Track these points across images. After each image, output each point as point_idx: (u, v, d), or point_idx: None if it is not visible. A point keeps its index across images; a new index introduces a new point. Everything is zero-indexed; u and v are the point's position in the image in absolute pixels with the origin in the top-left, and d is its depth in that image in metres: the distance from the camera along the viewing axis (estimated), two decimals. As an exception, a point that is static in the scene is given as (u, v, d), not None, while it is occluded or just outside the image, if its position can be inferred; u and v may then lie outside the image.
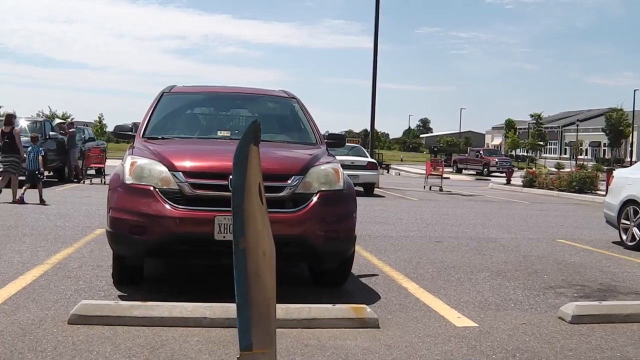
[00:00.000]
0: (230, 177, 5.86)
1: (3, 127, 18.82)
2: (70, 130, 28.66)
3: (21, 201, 17.29)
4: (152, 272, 8.75)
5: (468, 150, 76.21)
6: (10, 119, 19.39)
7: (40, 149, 19.36)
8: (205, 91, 10.41)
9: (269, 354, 3.33)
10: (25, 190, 17.94)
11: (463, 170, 65.08)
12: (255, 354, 3.28)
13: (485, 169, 60.93)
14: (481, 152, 67.79)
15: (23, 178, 18.67)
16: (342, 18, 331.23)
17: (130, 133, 9.04)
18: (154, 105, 9.30)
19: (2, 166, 18.34)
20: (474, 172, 61.75)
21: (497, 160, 62.45)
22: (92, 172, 30.31)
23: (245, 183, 3.23)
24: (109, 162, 30.30)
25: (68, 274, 8.55)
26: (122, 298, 7.42)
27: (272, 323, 3.38)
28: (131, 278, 8.01)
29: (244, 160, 3.24)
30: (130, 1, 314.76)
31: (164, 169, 7.30)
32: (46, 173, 21.92)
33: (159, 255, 7.70)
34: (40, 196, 17.78)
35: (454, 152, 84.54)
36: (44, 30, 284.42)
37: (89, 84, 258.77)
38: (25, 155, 18.97)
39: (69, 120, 33.68)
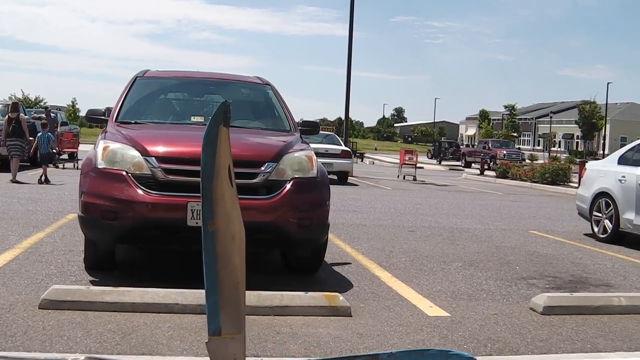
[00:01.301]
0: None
1: (10, 114, 20.52)
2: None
3: (47, 182, 19.50)
4: (124, 258, 8.70)
5: (434, 140, 70.88)
6: (16, 106, 21.31)
7: (49, 134, 21.58)
8: (179, 76, 10.34)
9: (238, 339, 3.30)
10: (45, 171, 19.84)
11: (472, 164, 56.18)
12: (224, 338, 3.25)
13: (492, 162, 50.70)
14: (489, 143, 60.39)
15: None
16: (316, 5, 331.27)
17: (103, 117, 8.99)
18: (127, 89, 9.23)
19: (8, 150, 20.22)
20: (487, 167, 48.38)
21: (505, 152, 54.39)
22: (65, 156, 30.14)
23: (215, 165, 3.19)
24: (81, 147, 30.11)
25: (39, 259, 8.48)
26: (93, 283, 7.37)
27: (242, 308, 3.35)
28: (103, 263, 7.95)
29: (213, 142, 3.20)
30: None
31: (136, 153, 7.25)
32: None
33: (131, 241, 7.65)
34: (45, 176, 19.71)
35: (428, 141, 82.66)
36: (15, 12, 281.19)
37: (62, 67, 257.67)
38: (31, 139, 21.13)
39: (43, 105, 33.44)
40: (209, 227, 3.20)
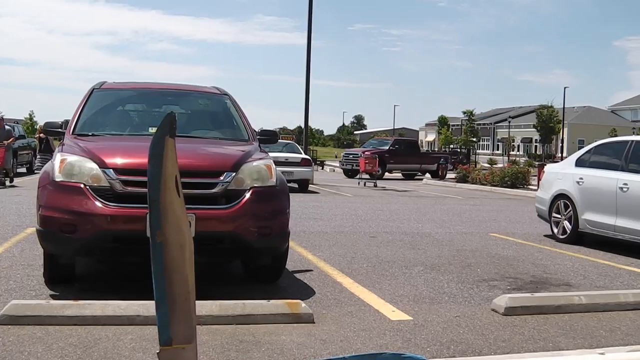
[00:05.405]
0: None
1: (40, 134, 25.91)
2: None
3: None
4: (84, 271, 8.64)
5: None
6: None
7: None
8: (136, 87, 10.27)
9: (190, 349, 3.28)
10: None
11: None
12: (175, 349, 3.23)
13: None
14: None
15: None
16: (274, 14, 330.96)
17: (60, 130, 8.91)
18: (84, 101, 9.17)
19: (37, 163, 25.48)
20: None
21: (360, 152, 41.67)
22: (23, 170, 29.86)
23: (162, 176, 3.18)
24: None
25: (-3, 274, 8.39)
26: (53, 297, 7.30)
27: (192, 318, 3.33)
28: (63, 277, 7.89)
29: (159, 153, 3.19)
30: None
31: (94, 166, 7.20)
32: None
33: (91, 254, 7.59)
34: None
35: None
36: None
37: (19, 79, 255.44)
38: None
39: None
40: (157, 237, 3.18)
